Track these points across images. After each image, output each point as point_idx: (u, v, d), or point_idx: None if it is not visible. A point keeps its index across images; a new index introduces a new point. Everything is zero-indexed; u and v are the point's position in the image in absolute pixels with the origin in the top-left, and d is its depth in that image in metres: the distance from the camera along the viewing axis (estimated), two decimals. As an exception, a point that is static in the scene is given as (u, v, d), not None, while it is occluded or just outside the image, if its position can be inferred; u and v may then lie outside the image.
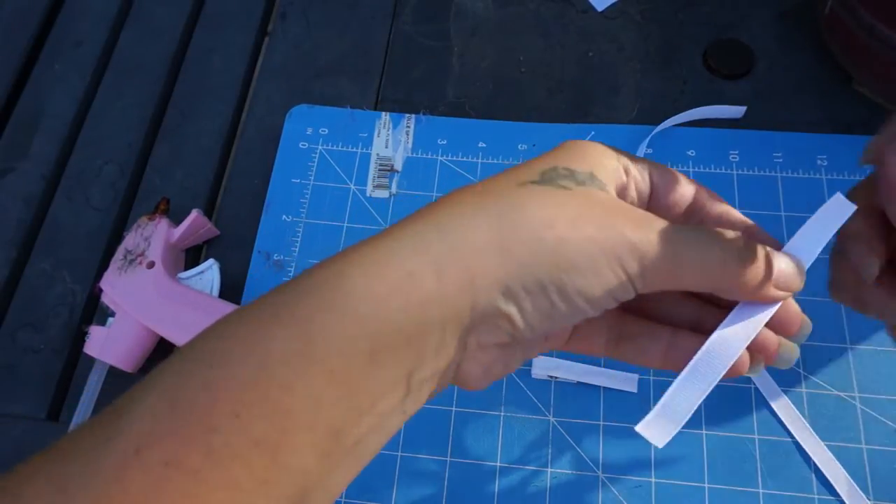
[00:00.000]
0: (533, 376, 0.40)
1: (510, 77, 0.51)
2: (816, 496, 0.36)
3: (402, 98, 0.51)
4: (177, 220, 0.44)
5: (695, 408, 0.22)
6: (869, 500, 0.35)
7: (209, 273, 0.42)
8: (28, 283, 0.46)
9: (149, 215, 0.44)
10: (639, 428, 0.22)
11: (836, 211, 0.23)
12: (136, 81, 0.53)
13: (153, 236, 0.43)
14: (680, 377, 0.22)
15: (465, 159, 0.47)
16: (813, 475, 0.36)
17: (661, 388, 0.39)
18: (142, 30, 0.56)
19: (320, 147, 0.48)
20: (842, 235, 0.24)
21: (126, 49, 0.55)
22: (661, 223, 0.21)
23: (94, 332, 0.41)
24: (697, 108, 0.45)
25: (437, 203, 0.22)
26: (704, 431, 0.38)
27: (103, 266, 0.46)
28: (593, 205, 0.21)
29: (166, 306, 0.40)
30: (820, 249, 0.23)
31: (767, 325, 0.22)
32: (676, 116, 0.46)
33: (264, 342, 0.18)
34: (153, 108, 0.52)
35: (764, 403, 0.38)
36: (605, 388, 0.39)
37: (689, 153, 0.45)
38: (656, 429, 0.23)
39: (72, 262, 0.46)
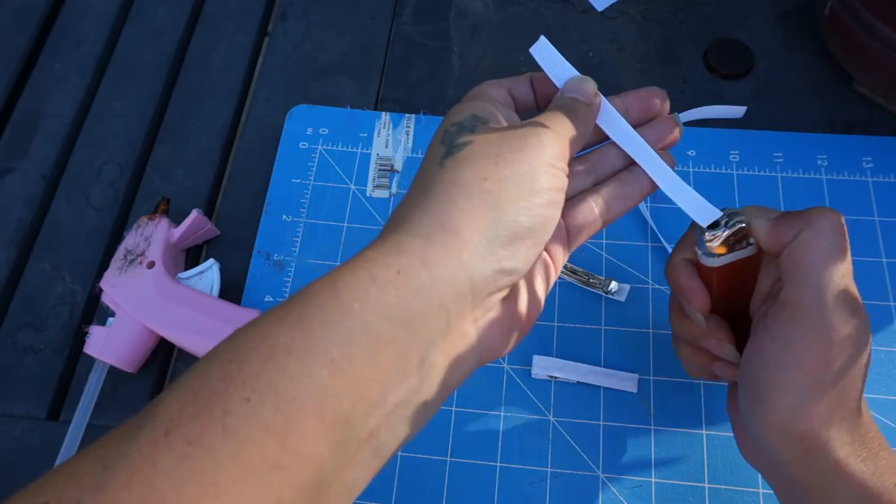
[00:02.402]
0: (533, 376, 0.40)
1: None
2: (816, 496, 0.36)
3: (402, 98, 0.51)
4: (177, 220, 0.44)
5: (689, 187, 0.29)
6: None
7: (209, 273, 0.42)
8: (28, 283, 0.46)
9: (149, 215, 0.44)
10: (704, 224, 0.28)
11: (548, 57, 0.30)
12: (136, 81, 0.53)
13: (153, 236, 0.43)
14: (667, 192, 0.29)
15: (465, 159, 0.47)
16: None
17: (662, 388, 0.39)
18: (142, 30, 0.56)
19: (320, 147, 0.48)
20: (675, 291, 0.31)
21: (126, 49, 0.55)
22: (536, 122, 0.26)
23: (94, 332, 0.41)
24: (697, 108, 0.45)
25: (397, 213, 0.25)
26: (704, 431, 0.38)
27: (103, 266, 0.46)
28: (497, 139, 0.25)
29: (166, 306, 0.40)
30: (566, 64, 0.30)
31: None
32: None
33: (271, 338, 0.20)
34: (153, 108, 0.52)
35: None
36: (605, 388, 0.39)
37: (690, 153, 0.45)
38: (703, 214, 0.29)
39: (72, 262, 0.46)
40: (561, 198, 0.25)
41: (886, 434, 0.36)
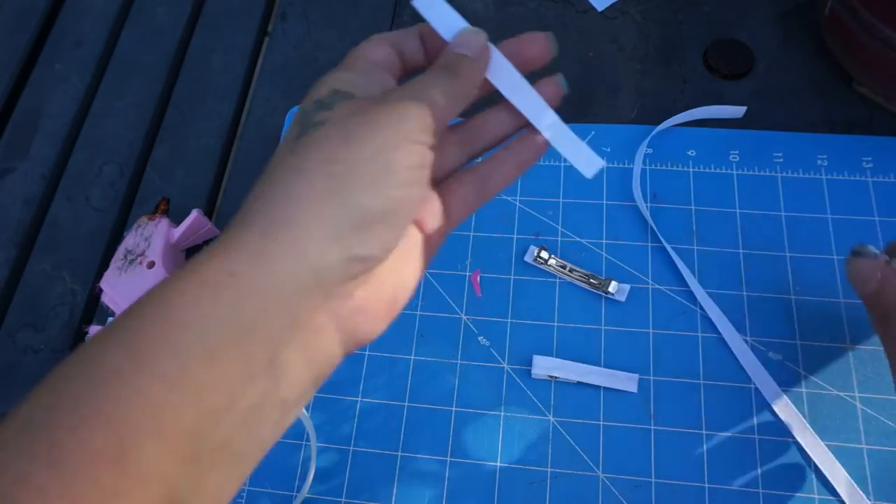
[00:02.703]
0: (533, 376, 0.40)
1: (510, 77, 0.51)
2: (817, 496, 0.36)
3: (402, 98, 0.51)
4: (177, 220, 0.44)
5: (575, 136, 0.27)
6: (869, 500, 0.35)
7: (209, 273, 0.42)
8: (28, 283, 0.46)
9: (149, 215, 0.44)
10: (590, 176, 0.27)
11: (435, 9, 0.27)
12: (136, 81, 0.53)
13: (153, 236, 0.43)
14: (554, 144, 0.27)
15: (465, 159, 0.47)
16: (813, 475, 0.36)
17: (662, 388, 0.39)
18: (142, 30, 0.56)
19: (320, 147, 0.48)
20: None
21: (126, 49, 0.55)
22: (399, 92, 0.24)
23: (94, 332, 0.41)
24: (698, 108, 0.45)
25: (244, 203, 0.23)
26: (704, 431, 0.38)
27: (103, 266, 0.46)
28: (349, 115, 0.23)
29: (166, 306, 0.40)
30: (454, 14, 0.27)
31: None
32: (676, 116, 0.46)
33: (99, 360, 0.19)
34: (153, 108, 0.52)
35: (764, 404, 0.38)
36: (605, 388, 0.39)
37: (690, 153, 0.45)
38: (590, 165, 0.27)
39: (72, 262, 0.46)
40: (423, 175, 0.24)
41: (887, 433, 0.37)
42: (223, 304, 0.20)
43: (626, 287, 0.41)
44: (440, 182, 0.28)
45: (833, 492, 0.36)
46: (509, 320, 0.41)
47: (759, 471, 0.37)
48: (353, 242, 0.22)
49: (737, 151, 0.45)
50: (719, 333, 0.40)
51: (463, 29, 0.27)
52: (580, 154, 0.27)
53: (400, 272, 0.25)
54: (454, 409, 0.40)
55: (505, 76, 0.27)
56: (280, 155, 0.24)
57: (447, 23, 0.27)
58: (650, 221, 0.43)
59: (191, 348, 0.19)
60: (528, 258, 0.43)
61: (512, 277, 0.43)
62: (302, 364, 0.21)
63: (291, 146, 0.23)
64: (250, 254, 0.21)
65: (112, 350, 0.19)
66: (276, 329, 0.21)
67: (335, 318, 0.22)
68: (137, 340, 0.19)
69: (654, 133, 0.46)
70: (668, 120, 0.46)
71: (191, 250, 0.46)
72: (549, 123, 0.27)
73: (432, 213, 0.26)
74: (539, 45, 0.28)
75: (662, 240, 0.42)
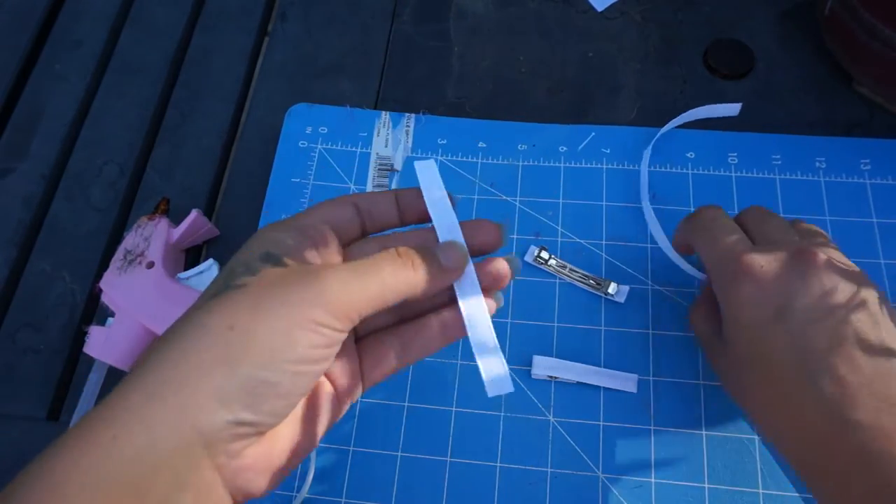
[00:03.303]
0: (533, 376, 0.40)
1: (510, 77, 0.51)
2: (816, 496, 0.36)
3: (401, 98, 0.51)
4: (177, 220, 0.44)
5: (501, 355, 0.27)
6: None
7: (209, 273, 0.42)
8: (28, 283, 0.46)
9: (149, 215, 0.44)
10: (491, 395, 0.26)
11: (429, 177, 0.29)
12: (136, 81, 0.53)
13: (153, 236, 0.43)
14: (476, 351, 0.27)
15: (464, 159, 0.47)
16: (812, 475, 0.36)
17: (662, 388, 0.39)
18: (142, 30, 0.56)
19: (320, 146, 0.48)
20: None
21: (126, 49, 0.55)
22: (330, 272, 0.24)
23: (94, 332, 0.41)
24: (693, 110, 0.45)
25: (144, 354, 0.23)
26: (704, 431, 0.38)
27: (103, 266, 0.46)
28: (267, 286, 0.23)
29: (166, 306, 0.40)
30: (451, 212, 0.28)
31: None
32: (674, 120, 0.46)
33: None
34: (153, 108, 0.52)
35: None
36: (605, 388, 0.39)
37: (689, 155, 0.45)
38: (498, 385, 0.26)
39: (72, 262, 0.46)
40: (326, 355, 0.24)
41: (886, 434, 0.37)
42: (106, 468, 0.20)
43: (626, 288, 0.41)
44: (361, 339, 0.28)
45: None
46: (509, 320, 0.42)
47: (759, 471, 0.37)
48: (241, 408, 0.22)
49: (735, 154, 0.45)
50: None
51: (448, 243, 0.27)
52: (494, 369, 0.26)
53: (298, 431, 0.25)
54: (454, 409, 0.40)
55: (465, 284, 0.27)
56: (195, 307, 0.24)
57: (438, 206, 0.28)
58: (650, 222, 0.43)
59: None
60: (528, 258, 0.43)
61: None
62: None
63: (204, 303, 0.23)
64: (134, 415, 0.21)
65: None
66: (163, 489, 0.21)
67: (224, 477, 0.23)
68: None
69: (655, 139, 0.46)
70: (669, 123, 0.46)
71: (191, 250, 0.46)
72: (479, 339, 0.26)
73: (345, 372, 0.27)
74: (492, 234, 0.28)
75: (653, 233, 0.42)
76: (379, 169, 0.47)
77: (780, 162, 0.45)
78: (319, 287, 0.23)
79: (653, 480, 0.37)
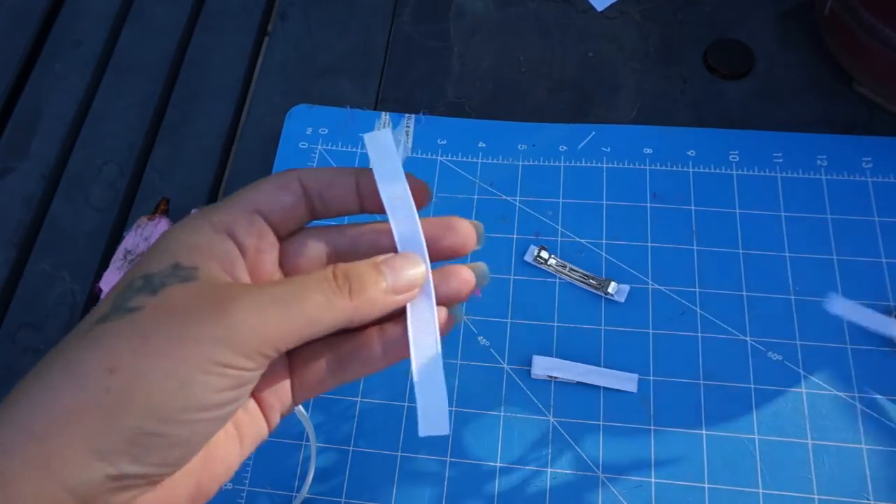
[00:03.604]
0: (532, 376, 0.40)
1: (510, 77, 0.51)
2: (816, 496, 0.36)
3: (402, 98, 0.51)
4: (177, 220, 0.44)
5: (444, 389, 0.22)
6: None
7: (209, 273, 0.42)
8: (28, 283, 0.46)
9: (149, 215, 0.44)
10: (423, 434, 0.22)
11: (383, 157, 0.22)
12: (136, 81, 0.53)
13: (153, 236, 0.43)
14: (416, 381, 0.22)
15: (464, 159, 0.47)
16: (813, 475, 0.36)
17: (662, 388, 0.39)
18: (142, 30, 0.56)
19: (320, 147, 0.48)
20: None
21: (126, 49, 0.55)
22: (245, 300, 0.19)
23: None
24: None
25: (10, 395, 0.19)
26: (704, 431, 0.38)
27: (103, 266, 0.46)
28: (164, 314, 0.19)
29: (166, 306, 0.40)
30: (411, 208, 0.22)
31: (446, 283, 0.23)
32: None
33: None
34: (153, 108, 0.52)
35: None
36: (605, 388, 0.39)
37: (690, 153, 0.45)
38: (434, 425, 0.22)
39: (72, 262, 0.46)
40: (233, 397, 0.19)
41: (887, 433, 0.37)
42: None
43: (626, 288, 0.41)
44: (293, 351, 0.23)
45: (835, 493, 0.36)
46: (509, 320, 0.41)
47: (759, 471, 0.37)
48: (125, 461, 0.18)
49: (736, 152, 0.45)
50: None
51: (405, 257, 0.22)
52: (432, 405, 0.22)
53: (209, 466, 0.21)
54: (454, 409, 0.40)
55: (419, 300, 0.22)
56: (72, 336, 0.19)
57: (393, 190, 0.22)
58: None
59: None
60: (528, 258, 0.43)
61: (512, 277, 0.43)
62: None
63: (87, 329, 0.19)
64: None
65: None
66: None
67: None
68: None
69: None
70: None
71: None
72: (423, 368, 0.22)
73: (275, 391, 0.23)
74: (466, 237, 0.23)
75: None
76: (379, 169, 0.47)
77: (781, 160, 0.45)
78: (227, 321, 0.19)
79: (653, 480, 0.37)
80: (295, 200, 0.22)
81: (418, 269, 0.22)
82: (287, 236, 0.23)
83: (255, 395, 0.22)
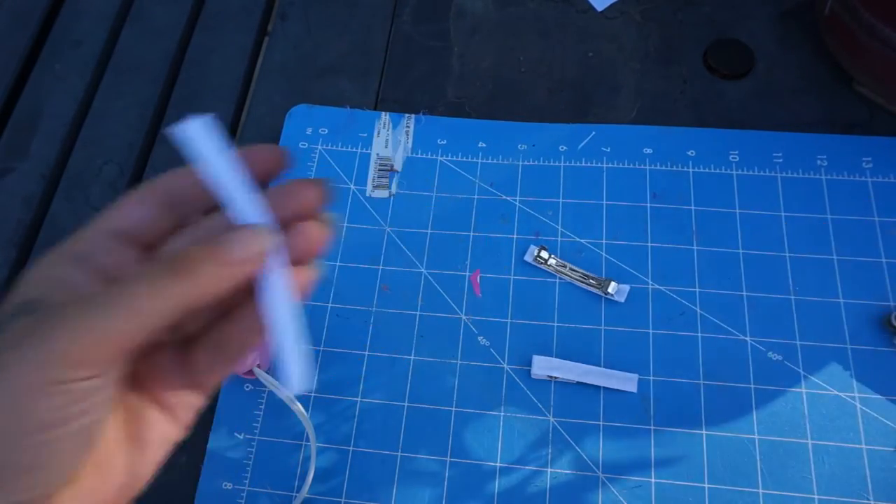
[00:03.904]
0: (532, 376, 0.40)
1: (510, 77, 0.51)
2: (816, 496, 0.36)
3: (401, 98, 0.51)
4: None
5: (303, 348, 0.21)
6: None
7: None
8: (28, 283, 0.46)
9: (149, 215, 0.44)
10: (289, 390, 0.21)
11: (198, 141, 0.22)
12: (136, 81, 0.53)
13: (153, 236, 0.43)
14: (276, 343, 0.21)
15: (464, 159, 0.47)
16: (813, 475, 0.36)
17: (662, 388, 0.39)
18: (142, 30, 0.56)
19: (320, 147, 0.48)
20: None
21: (126, 49, 0.55)
22: (68, 310, 0.18)
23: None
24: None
25: None
26: (704, 431, 0.38)
27: (103, 266, 0.46)
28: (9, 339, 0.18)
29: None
30: (238, 180, 0.21)
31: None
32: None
33: None
34: (153, 108, 0.52)
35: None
36: (605, 388, 0.39)
37: (690, 153, 0.45)
38: (300, 382, 0.21)
39: (72, 262, 0.46)
40: (87, 407, 0.19)
41: (887, 433, 0.37)
42: None
43: (626, 288, 0.41)
44: (183, 344, 0.22)
45: (835, 492, 0.36)
46: (509, 320, 0.41)
47: (759, 471, 0.37)
48: None
49: (736, 152, 0.45)
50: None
51: (243, 227, 0.20)
52: (295, 367, 0.21)
53: (108, 479, 0.20)
54: (454, 409, 0.40)
55: (271, 273, 0.21)
56: None
57: (217, 169, 0.21)
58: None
59: None
60: (527, 258, 0.43)
61: (512, 277, 0.43)
62: None
63: None
64: None
65: None
66: None
67: None
68: None
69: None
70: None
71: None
72: (282, 333, 0.21)
73: (169, 388, 0.22)
74: (311, 196, 0.22)
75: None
76: (379, 170, 0.47)
77: (781, 160, 0.45)
78: (46, 335, 0.18)
79: (653, 480, 0.37)
80: (154, 212, 0.22)
81: (259, 235, 0.20)
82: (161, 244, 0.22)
83: (149, 395, 0.22)
